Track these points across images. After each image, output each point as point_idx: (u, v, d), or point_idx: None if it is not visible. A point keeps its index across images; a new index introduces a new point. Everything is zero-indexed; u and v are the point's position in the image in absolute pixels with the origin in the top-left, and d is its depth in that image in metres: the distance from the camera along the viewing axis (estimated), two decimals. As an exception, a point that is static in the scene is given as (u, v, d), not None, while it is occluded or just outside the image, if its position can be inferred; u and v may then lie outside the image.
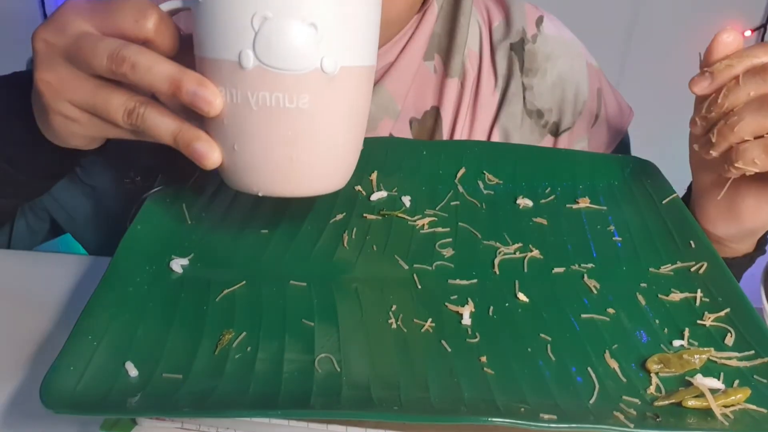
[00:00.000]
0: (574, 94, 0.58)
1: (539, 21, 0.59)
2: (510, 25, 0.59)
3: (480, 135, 0.57)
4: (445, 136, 0.57)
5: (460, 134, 0.57)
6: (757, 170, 0.40)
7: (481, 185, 0.50)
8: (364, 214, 0.47)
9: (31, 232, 0.63)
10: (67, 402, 0.31)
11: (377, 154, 0.52)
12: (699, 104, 0.43)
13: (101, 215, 0.61)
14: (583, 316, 0.38)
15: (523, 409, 0.31)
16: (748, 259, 0.51)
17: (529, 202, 0.48)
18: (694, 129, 0.43)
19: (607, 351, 0.35)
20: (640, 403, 0.32)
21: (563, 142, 0.59)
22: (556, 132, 0.59)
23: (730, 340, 0.36)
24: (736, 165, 0.40)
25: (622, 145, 0.62)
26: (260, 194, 0.37)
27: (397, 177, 0.51)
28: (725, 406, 0.31)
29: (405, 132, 0.57)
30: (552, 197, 0.49)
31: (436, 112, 0.57)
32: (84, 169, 0.59)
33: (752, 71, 0.40)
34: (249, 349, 0.35)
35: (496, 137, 0.57)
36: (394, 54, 0.56)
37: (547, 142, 0.59)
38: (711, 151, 0.41)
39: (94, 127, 0.38)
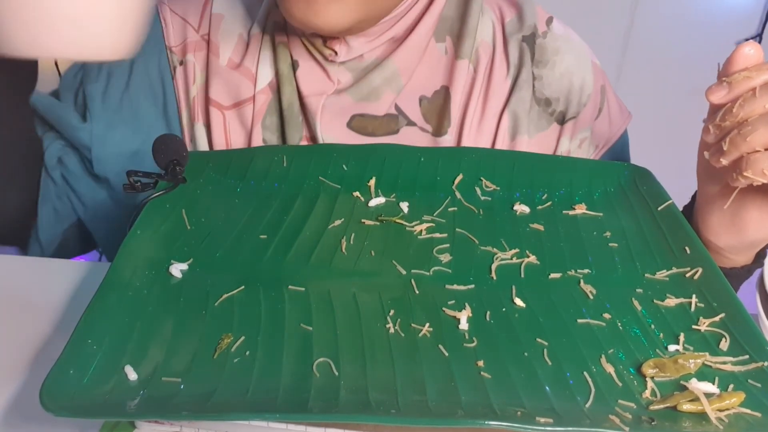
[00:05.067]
0: (580, 86, 0.61)
1: (549, 21, 0.62)
2: (522, 21, 0.61)
3: (491, 118, 0.59)
4: (456, 117, 0.58)
5: (472, 117, 0.58)
6: (766, 181, 0.40)
7: (479, 192, 0.51)
8: (363, 220, 0.47)
9: (58, 217, 0.64)
10: (66, 405, 0.31)
11: (375, 161, 0.52)
12: (713, 113, 0.44)
13: (112, 205, 0.63)
14: (580, 321, 0.38)
15: (519, 413, 0.31)
16: (746, 271, 0.51)
17: (525, 209, 0.49)
18: (707, 137, 0.44)
19: (603, 355, 0.36)
20: (635, 406, 0.32)
21: (568, 130, 0.60)
22: (562, 120, 0.61)
23: (724, 344, 0.36)
24: (744, 174, 0.40)
25: (622, 140, 0.64)
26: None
27: (395, 183, 0.51)
28: (720, 410, 0.32)
29: (414, 108, 0.59)
30: (549, 204, 0.49)
31: (445, 92, 0.59)
32: (95, 161, 0.61)
33: None
34: (247, 353, 0.36)
35: (505, 121, 0.59)
36: (402, 30, 0.59)
37: (554, 129, 0.61)
38: (721, 159, 0.42)
39: None
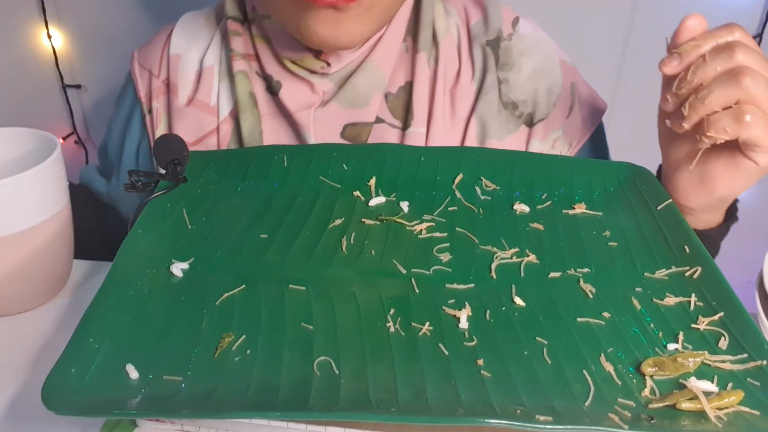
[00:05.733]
0: (548, 87, 0.61)
1: (515, 21, 0.62)
2: (487, 24, 0.61)
3: (459, 122, 0.60)
4: (421, 111, 0.59)
5: (442, 119, 0.59)
6: (728, 138, 0.43)
7: (479, 191, 0.51)
8: (363, 219, 0.47)
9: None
10: (68, 403, 0.31)
11: (376, 160, 0.52)
12: (667, 84, 0.47)
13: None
14: (579, 319, 0.38)
15: (519, 411, 0.31)
16: (724, 229, 0.54)
17: (525, 208, 0.49)
18: (666, 106, 0.46)
19: (602, 354, 0.36)
20: (634, 405, 0.32)
21: (538, 132, 0.61)
22: (530, 122, 0.61)
23: (723, 343, 0.36)
24: (708, 134, 0.43)
25: (597, 134, 0.64)
26: None
27: (396, 182, 0.51)
28: (719, 409, 0.32)
29: (382, 105, 0.59)
30: (548, 203, 0.50)
31: (409, 87, 0.59)
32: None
33: (717, 49, 0.43)
34: (248, 351, 0.36)
35: (473, 126, 0.59)
36: (383, 31, 0.59)
37: (523, 131, 0.61)
38: (683, 124, 0.45)
39: None
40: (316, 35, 0.52)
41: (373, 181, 0.51)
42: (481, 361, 0.35)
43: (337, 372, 0.34)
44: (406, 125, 0.59)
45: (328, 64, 0.58)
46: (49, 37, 1.24)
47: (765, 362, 0.34)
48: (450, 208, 0.49)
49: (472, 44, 0.61)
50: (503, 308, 0.39)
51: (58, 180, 0.45)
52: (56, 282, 0.48)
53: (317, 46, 0.54)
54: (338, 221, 0.47)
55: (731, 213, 0.54)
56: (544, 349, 0.36)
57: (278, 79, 0.59)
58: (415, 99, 0.59)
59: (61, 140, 1.30)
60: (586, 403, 0.32)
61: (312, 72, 0.58)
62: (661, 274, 0.42)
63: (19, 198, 0.42)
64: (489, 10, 0.62)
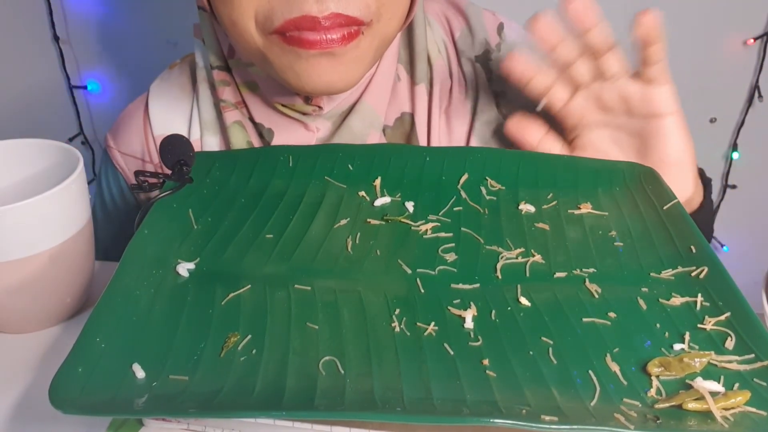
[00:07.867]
0: None
1: (500, 28, 0.61)
2: (473, 36, 0.60)
3: (458, 142, 0.59)
4: (422, 142, 0.58)
5: (438, 142, 0.58)
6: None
7: (484, 191, 0.51)
8: (368, 220, 0.47)
9: None
10: (75, 403, 0.31)
11: (381, 160, 0.52)
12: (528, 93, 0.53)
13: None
14: (585, 320, 0.38)
15: (524, 411, 0.31)
16: (709, 207, 0.54)
17: (531, 208, 0.49)
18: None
19: (608, 354, 0.36)
20: (640, 405, 0.32)
21: None
22: None
23: (730, 343, 0.36)
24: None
25: None
26: None
27: (401, 183, 0.51)
28: (725, 409, 0.32)
29: (380, 140, 0.59)
30: (554, 203, 0.49)
31: (410, 118, 0.58)
32: None
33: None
34: (254, 351, 0.36)
35: (473, 145, 0.58)
36: (375, 67, 0.58)
37: None
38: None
39: None
40: (305, 81, 0.49)
41: (378, 182, 0.51)
42: (486, 361, 0.35)
43: (342, 372, 0.34)
44: None
45: (320, 108, 0.56)
46: (56, 38, 1.25)
47: (772, 362, 0.34)
48: (455, 208, 0.49)
49: (460, 59, 0.60)
50: (508, 308, 0.39)
51: (82, 195, 0.45)
52: (81, 296, 0.47)
53: (310, 94, 0.52)
54: (343, 221, 0.47)
55: (706, 191, 0.55)
56: (550, 349, 0.36)
57: (269, 126, 0.57)
58: (419, 131, 0.57)
59: (67, 141, 1.31)
60: (592, 403, 0.32)
61: (304, 114, 0.57)
62: (667, 274, 0.42)
63: (48, 216, 0.42)
64: (471, 18, 0.60)
